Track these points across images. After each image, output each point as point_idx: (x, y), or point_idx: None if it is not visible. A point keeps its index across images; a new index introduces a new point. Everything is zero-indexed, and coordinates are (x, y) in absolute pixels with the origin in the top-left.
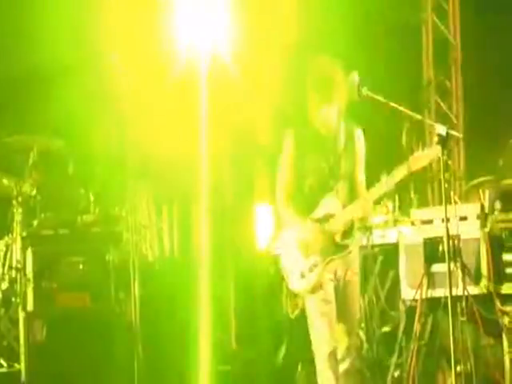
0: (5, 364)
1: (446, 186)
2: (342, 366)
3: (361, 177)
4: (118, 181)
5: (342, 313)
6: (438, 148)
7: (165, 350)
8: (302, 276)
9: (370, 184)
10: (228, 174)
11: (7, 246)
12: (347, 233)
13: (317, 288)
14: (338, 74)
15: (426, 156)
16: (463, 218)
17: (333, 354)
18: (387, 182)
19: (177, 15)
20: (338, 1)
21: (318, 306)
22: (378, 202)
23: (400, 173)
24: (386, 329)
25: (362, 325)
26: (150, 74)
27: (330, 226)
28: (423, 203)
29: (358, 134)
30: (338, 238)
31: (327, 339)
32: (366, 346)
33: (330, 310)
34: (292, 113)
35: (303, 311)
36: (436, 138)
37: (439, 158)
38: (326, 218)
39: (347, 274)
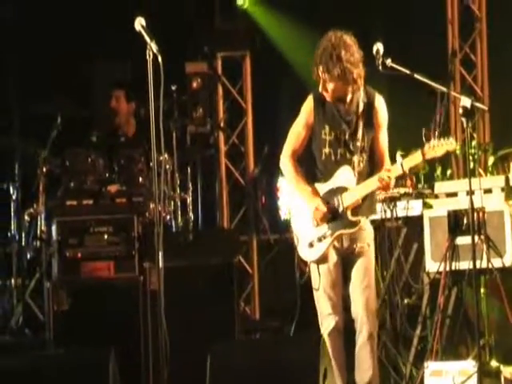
0: (30, 334)
1: (471, 158)
2: (360, 338)
3: (382, 147)
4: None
5: (356, 285)
6: (454, 142)
7: (189, 319)
8: (311, 245)
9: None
10: (250, 144)
11: (32, 217)
12: (360, 208)
13: (323, 260)
14: (348, 52)
15: (440, 147)
16: (488, 191)
17: (333, 330)
18: (402, 166)
19: None
20: None
21: (321, 280)
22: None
23: (414, 159)
24: (409, 302)
25: (385, 297)
26: None
27: (343, 199)
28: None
29: (379, 100)
30: (349, 213)
31: (326, 314)
32: (388, 319)
33: (332, 285)
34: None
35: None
36: (461, 111)
37: (464, 129)
38: (340, 191)
39: (357, 245)
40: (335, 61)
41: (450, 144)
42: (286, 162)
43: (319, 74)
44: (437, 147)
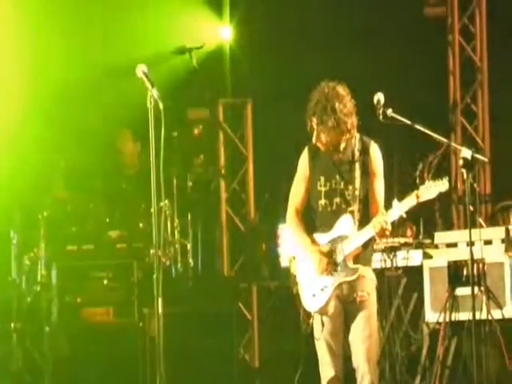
0: (29, 378)
1: (471, 209)
2: None
3: (377, 195)
4: (142, 197)
5: (357, 334)
6: (446, 183)
7: (188, 366)
8: (314, 296)
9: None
10: (251, 192)
11: (32, 261)
12: (360, 256)
13: (325, 309)
14: (341, 103)
15: (435, 188)
16: (488, 242)
17: (332, 379)
18: (398, 210)
19: None
20: (363, 22)
21: (323, 329)
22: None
23: (409, 202)
24: (408, 352)
25: (385, 347)
26: None
27: (344, 247)
28: (448, 226)
29: (374, 148)
30: (349, 261)
31: (326, 363)
32: (388, 368)
33: (333, 334)
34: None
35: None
36: (461, 162)
37: (464, 180)
38: (341, 239)
39: (357, 294)
40: (329, 112)
41: (442, 185)
42: (290, 222)
43: (313, 126)
44: (430, 189)
